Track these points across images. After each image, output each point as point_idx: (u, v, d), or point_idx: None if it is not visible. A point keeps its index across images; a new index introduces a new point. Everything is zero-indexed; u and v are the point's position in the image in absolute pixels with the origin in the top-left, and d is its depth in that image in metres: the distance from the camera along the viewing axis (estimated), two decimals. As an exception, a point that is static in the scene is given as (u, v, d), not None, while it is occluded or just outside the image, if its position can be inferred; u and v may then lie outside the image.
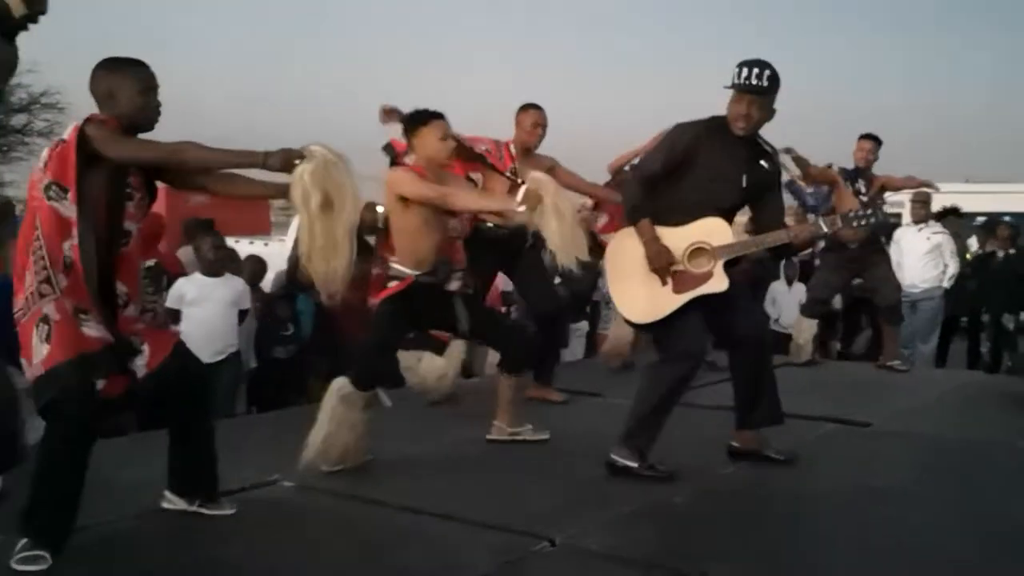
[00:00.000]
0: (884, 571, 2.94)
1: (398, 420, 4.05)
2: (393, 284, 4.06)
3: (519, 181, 4.75)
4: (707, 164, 3.89)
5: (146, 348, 3.05)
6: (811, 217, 5.29)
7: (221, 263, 6.22)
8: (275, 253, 9.17)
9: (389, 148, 4.84)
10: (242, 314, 6.22)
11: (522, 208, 3.73)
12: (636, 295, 3.96)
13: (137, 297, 3.08)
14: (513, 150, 5.29)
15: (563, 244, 3.73)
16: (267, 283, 7.37)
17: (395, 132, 4.65)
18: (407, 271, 4.04)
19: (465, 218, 4.70)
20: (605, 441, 4.57)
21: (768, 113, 3.93)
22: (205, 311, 5.99)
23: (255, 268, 6.87)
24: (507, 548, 3.06)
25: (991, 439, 4.65)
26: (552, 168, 5.02)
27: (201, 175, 3.19)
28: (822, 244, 7.08)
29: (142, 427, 4.69)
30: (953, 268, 8.58)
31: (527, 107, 5.32)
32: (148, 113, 3.08)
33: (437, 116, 4.13)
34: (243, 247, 9.35)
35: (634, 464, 3.88)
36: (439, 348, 4.85)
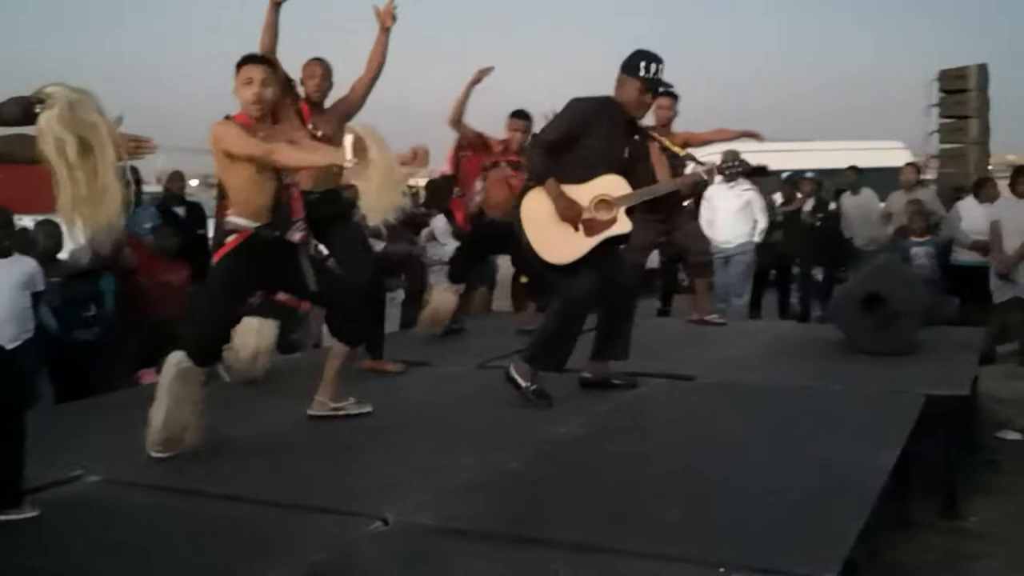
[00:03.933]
0: (721, 516, 2.95)
1: (208, 401, 3.77)
2: (231, 239, 3.75)
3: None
4: (599, 137, 4.43)
5: None
6: (690, 166, 5.45)
7: (7, 243, 5.68)
8: (67, 231, 8.47)
9: None
10: (36, 297, 5.72)
11: (352, 161, 3.44)
12: (554, 241, 4.43)
13: None
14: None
15: (378, 202, 3.52)
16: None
17: None
18: (244, 223, 3.74)
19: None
20: (435, 412, 4.49)
21: None
22: (-8, 297, 5.46)
23: (48, 242, 6.28)
24: (338, 531, 2.89)
25: (806, 385, 4.81)
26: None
27: None
28: None
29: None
30: (763, 223, 8.92)
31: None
32: None
33: (248, 60, 3.82)
34: (28, 225, 8.58)
35: (523, 384, 4.34)
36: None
